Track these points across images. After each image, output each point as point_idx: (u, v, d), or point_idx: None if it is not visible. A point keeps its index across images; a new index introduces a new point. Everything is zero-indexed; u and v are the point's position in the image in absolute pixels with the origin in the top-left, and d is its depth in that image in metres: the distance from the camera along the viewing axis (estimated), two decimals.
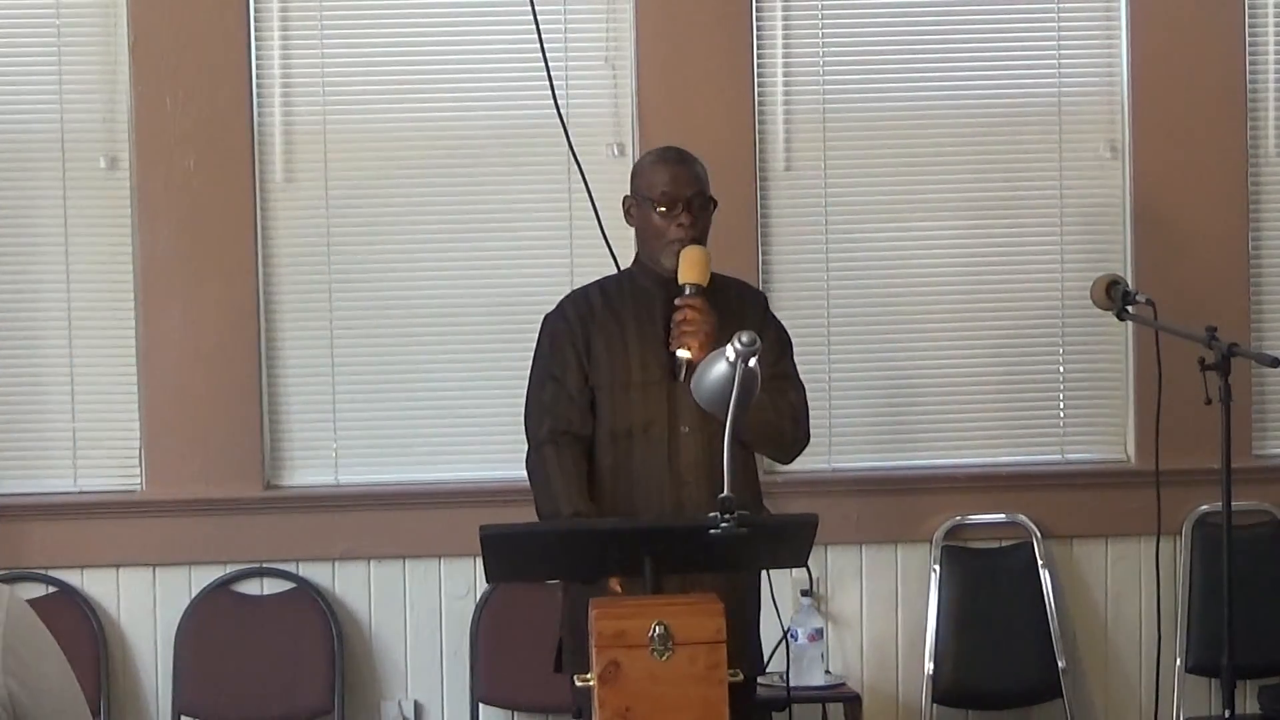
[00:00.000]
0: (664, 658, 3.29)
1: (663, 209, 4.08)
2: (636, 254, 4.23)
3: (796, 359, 4.25)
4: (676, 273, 4.03)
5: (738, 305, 4.15)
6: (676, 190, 4.09)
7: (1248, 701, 5.18)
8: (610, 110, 5.26)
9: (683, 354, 3.97)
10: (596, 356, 4.09)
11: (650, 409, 4.06)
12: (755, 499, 4.12)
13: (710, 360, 3.52)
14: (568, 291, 4.30)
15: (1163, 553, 5.05)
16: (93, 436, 5.21)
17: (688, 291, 4.00)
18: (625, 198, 4.22)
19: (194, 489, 5.15)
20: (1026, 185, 5.36)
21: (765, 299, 4.39)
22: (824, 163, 5.30)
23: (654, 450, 4.05)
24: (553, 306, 4.21)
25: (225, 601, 5.17)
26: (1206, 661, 5.12)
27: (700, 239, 4.08)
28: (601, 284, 4.24)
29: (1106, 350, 5.37)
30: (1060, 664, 5.22)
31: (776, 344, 4.10)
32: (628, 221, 4.22)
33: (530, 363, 4.18)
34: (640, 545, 3.52)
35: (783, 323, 4.27)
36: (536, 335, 4.19)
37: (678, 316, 3.99)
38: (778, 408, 4.03)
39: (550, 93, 5.11)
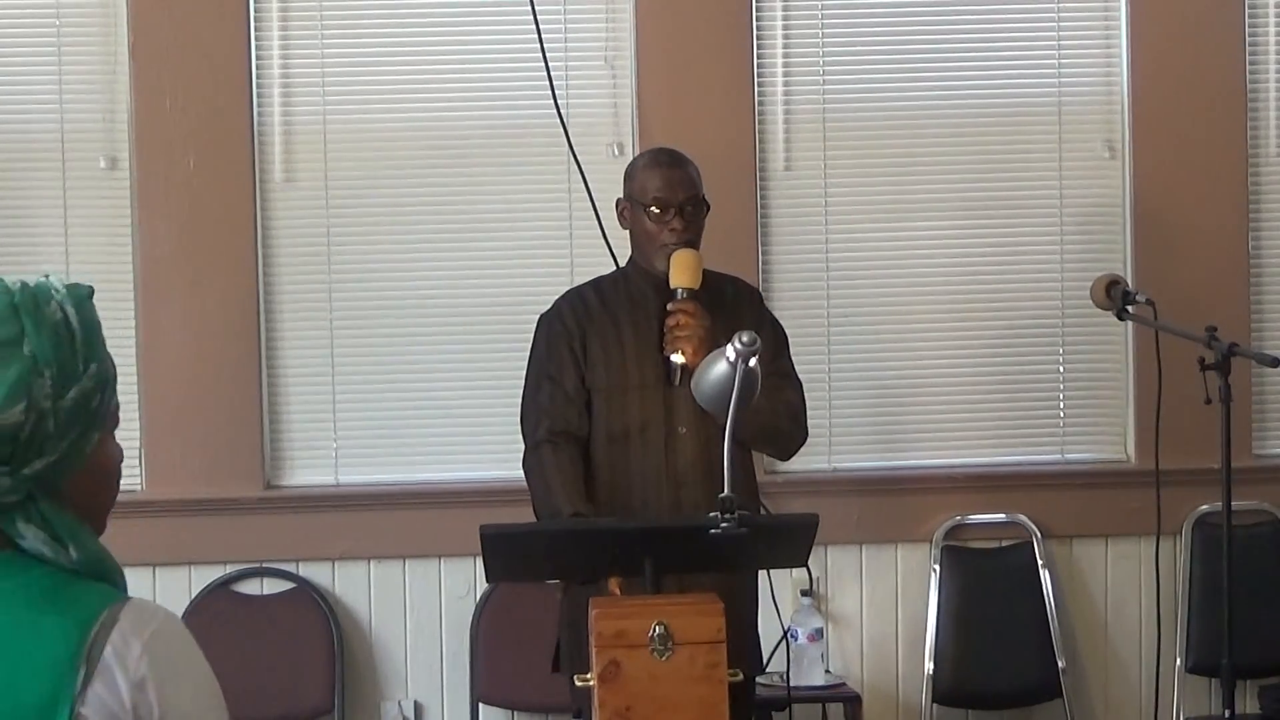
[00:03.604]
0: (664, 658, 3.29)
1: (655, 212, 4.08)
2: (631, 255, 4.23)
3: (797, 358, 4.25)
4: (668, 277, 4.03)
5: (733, 302, 4.15)
6: (669, 195, 4.08)
7: (1248, 701, 5.18)
8: (610, 110, 5.26)
9: (677, 359, 3.97)
10: (593, 358, 4.09)
11: (647, 411, 4.06)
12: (753, 499, 4.11)
13: (710, 360, 3.52)
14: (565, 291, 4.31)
15: (1163, 553, 5.05)
16: None
17: (680, 295, 4.00)
18: (618, 200, 4.21)
19: (194, 489, 5.15)
20: (1026, 185, 5.36)
21: (760, 295, 4.39)
22: (824, 163, 5.30)
23: (650, 451, 4.05)
24: (550, 307, 4.22)
25: (225, 601, 5.17)
26: (1206, 661, 5.12)
27: (693, 242, 4.08)
28: (597, 284, 4.23)
29: (1106, 350, 5.37)
30: (1060, 664, 5.22)
31: (773, 341, 4.08)
32: (621, 224, 4.22)
33: (526, 363, 4.18)
34: (640, 545, 3.52)
35: (782, 321, 4.27)
36: (533, 335, 4.20)
37: (670, 321, 3.98)
38: (774, 407, 4.01)
39: (550, 93, 5.11)
